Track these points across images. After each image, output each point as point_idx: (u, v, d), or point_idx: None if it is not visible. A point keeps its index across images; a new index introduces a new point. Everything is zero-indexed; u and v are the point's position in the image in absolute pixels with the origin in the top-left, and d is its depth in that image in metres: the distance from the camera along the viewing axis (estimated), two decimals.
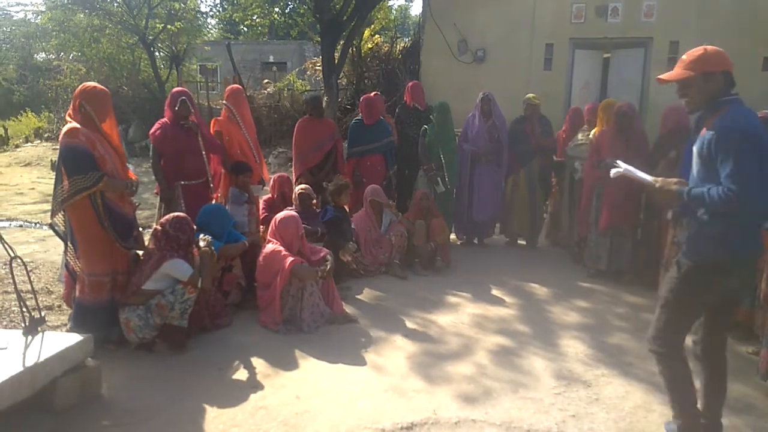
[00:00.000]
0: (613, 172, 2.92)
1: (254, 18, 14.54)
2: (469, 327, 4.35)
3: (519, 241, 6.73)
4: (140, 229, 4.63)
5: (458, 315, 4.57)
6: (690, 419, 2.74)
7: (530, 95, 6.46)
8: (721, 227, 2.50)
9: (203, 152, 4.96)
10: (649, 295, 4.92)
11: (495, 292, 5.15)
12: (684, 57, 2.62)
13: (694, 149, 2.62)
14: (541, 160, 6.36)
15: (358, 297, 4.94)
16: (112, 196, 3.73)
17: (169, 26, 15.89)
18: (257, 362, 3.67)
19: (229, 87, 5.83)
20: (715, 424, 2.77)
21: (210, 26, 24.37)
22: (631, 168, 2.89)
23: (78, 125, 3.67)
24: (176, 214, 3.98)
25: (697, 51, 2.59)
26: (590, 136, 5.77)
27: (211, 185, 5.15)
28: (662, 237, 4.85)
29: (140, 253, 4.04)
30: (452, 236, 6.73)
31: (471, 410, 3.16)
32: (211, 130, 5.35)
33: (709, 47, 2.61)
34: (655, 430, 3.01)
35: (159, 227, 3.88)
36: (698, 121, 2.66)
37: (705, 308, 2.69)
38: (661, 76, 2.73)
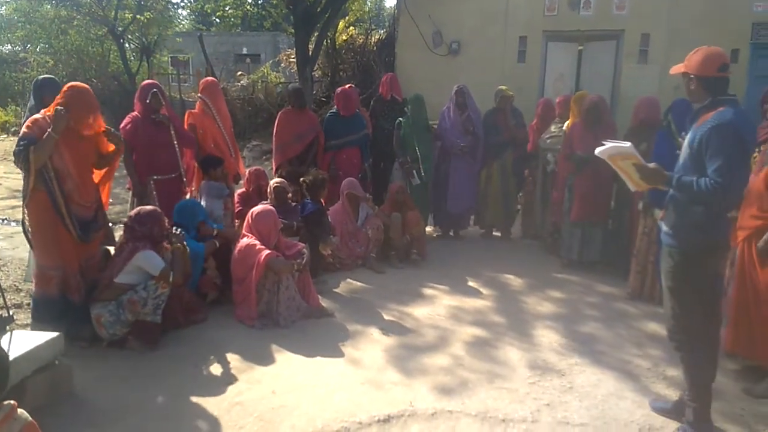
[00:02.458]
0: (598, 150, 2.92)
1: (226, 9, 14.31)
2: (446, 319, 4.38)
3: (494, 233, 6.78)
4: (110, 224, 4.57)
5: (435, 307, 4.60)
6: (706, 403, 2.85)
7: (503, 87, 6.49)
8: (701, 216, 2.69)
9: (176, 146, 4.89)
10: (621, 284, 5.02)
11: (471, 283, 5.19)
12: (690, 54, 2.79)
13: (685, 141, 2.77)
14: (514, 151, 6.41)
15: (335, 291, 4.93)
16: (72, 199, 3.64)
17: (138, 17, 15.58)
18: (233, 357, 3.64)
19: (203, 80, 5.74)
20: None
21: (181, 17, 23.99)
22: (617, 143, 2.90)
23: (39, 116, 3.59)
24: (144, 207, 3.91)
25: (696, 52, 2.76)
26: (563, 128, 5.83)
27: (185, 179, 5.08)
28: (633, 227, 4.93)
29: (111, 249, 3.97)
30: (428, 228, 6.75)
31: (447, 401, 3.19)
32: (185, 124, 5.28)
33: (708, 50, 2.75)
34: (627, 416, 3.07)
35: (128, 221, 3.82)
36: (694, 115, 2.80)
37: (703, 290, 2.81)
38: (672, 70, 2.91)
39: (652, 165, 2.80)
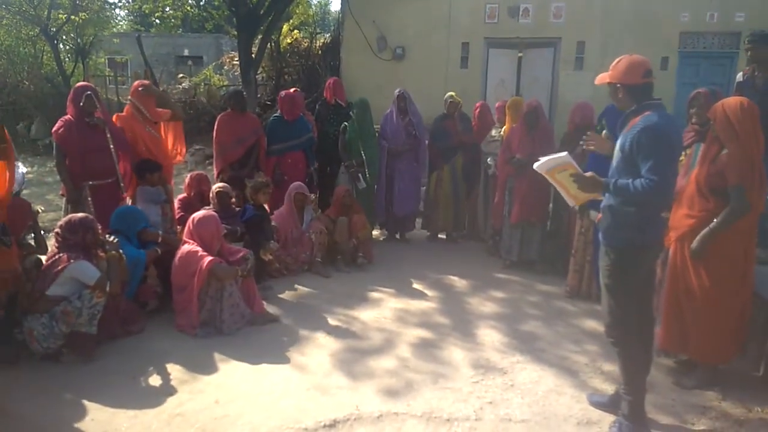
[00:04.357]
0: (536, 165, 3.02)
1: (166, 9, 13.95)
2: (392, 321, 4.40)
3: (439, 236, 6.87)
4: (42, 232, 4.38)
5: (381, 310, 4.62)
6: (641, 396, 2.95)
7: (451, 93, 6.58)
8: (635, 216, 2.80)
9: (112, 150, 4.74)
10: (560, 282, 5.18)
11: (416, 285, 5.24)
12: (613, 63, 2.92)
13: (617, 145, 2.89)
14: (463, 156, 6.50)
15: (280, 296, 4.88)
16: None
17: (73, 17, 15.00)
18: (173, 368, 3.54)
19: (135, 83, 5.57)
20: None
21: (119, 18, 23.18)
22: (554, 155, 2.99)
23: None
24: (75, 215, 3.76)
25: (620, 62, 2.89)
26: (501, 132, 5.98)
27: (122, 184, 4.92)
28: (571, 228, 5.10)
29: (42, 258, 3.80)
30: (375, 232, 6.78)
31: (393, 403, 3.21)
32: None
33: (631, 58, 2.88)
34: (566, 411, 3.17)
35: (58, 229, 3.66)
36: (623, 121, 2.92)
37: (638, 286, 2.93)
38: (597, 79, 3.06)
39: (588, 174, 2.91)
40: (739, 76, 4.89)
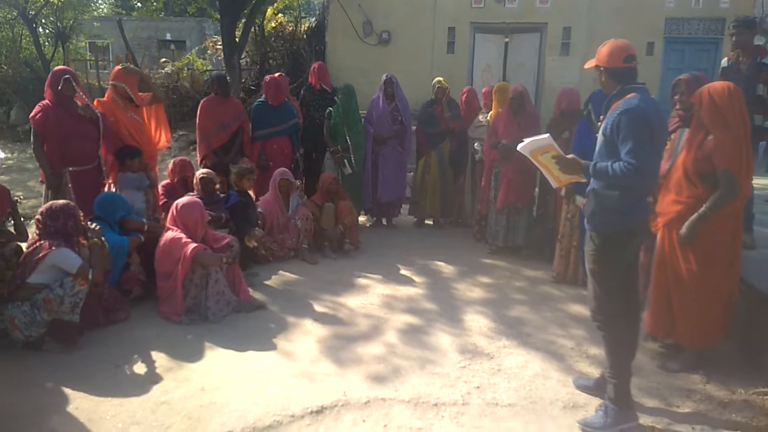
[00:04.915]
0: (519, 146, 3.01)
1: None
2: (379, 308, 4.39)
3: (426, 221, 6.86)
4: (22, 219, 4.29)
5: (368, 296, 4.61)
6: (626, 380, 2.96)
7: (440, 78, 6.53)
8: (618, 200, 2.79)
9: (100, 137, 4.67)
10: (546, 268, 5.21)
11: (403, 271, 5.23)
12: (599, 48, 2.92)
13: (600, 129, 2.88)
14: (451, 142, 6.47)
15: (267, 283, 4.85)
16: None
17: (52, 0, 14.64)
18: (158, 356, 3.50)
19: (115, 67, 5.45)
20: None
21: (100, 1, 22.73)
22: (536, 137, 2.99)
23: None
24: (56, 201, 3.68)
25: (604, 46, 2.90)
26: (488, 118, 5.96)
27: (104, 169, 4.84)
28: (558, 213, 5.12)
29: (23, 246, 3.72)
30: (362, 218, 6.75)
31: (380, 389, 3.21)
32: None
33: (614, 42, 2.88)
34: (552, 395, 3.19)
35: (39, 216, 3.58)
36: (606, 104, 2.92)
37: (623, 271, 2.93)
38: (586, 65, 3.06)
39: (569, 156, 2.91)
40: (724, 62, 4.91)
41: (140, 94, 5.17)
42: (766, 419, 2.99)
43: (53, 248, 3.45)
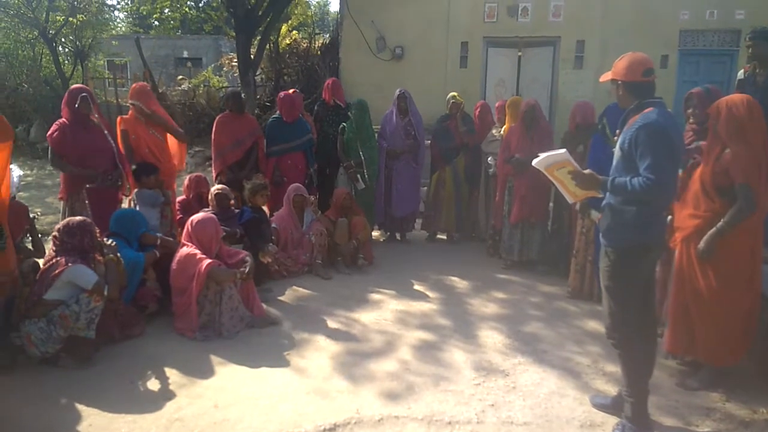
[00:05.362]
0: (535, 161, 3.00)
1: (164, 11, 13.92)
2: (392, 323, 4.37)
3: (438, 236, 6.83)
4: (39, 236, 4.35)
5: (381, 312, 4.59)
6: (644, 398, 2.91)
7: (454, 94, 6.54)
8: (635, 215, 2.76)
9: (114, 151, 4.73)
10: (562, 283, 5.15)
11: (417, 287, 5.21)
12: (616, 61, 2.91)
13: (617, 143, 2.86)
14: (466, 157, 6.46)
15: (280, 298, 4.85)
16: None
17: (71, 19, 14.97)
18: (172, 372, 3.51)
19: (133, 85, 5.55)
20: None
21: (118, 20, 23.17)
22: (552, 152, 2.97)
23: None
24: (73, 218, 3.73)
25: (622, 59, 2.88)
26: (501, 132, 5.95)
27: (127, 185, 4.91)
28: (573, 227, 5.07)
29: (40, 262, 3.76)
30: (375, 233, 6.74)
31: (394, 407, 3.18)
32: (117, 129, 5.09)
33: (632, 56, 2.86)
34: (568, 414, 3.14)
35: (56, 233, 3.63)
36: (623, 119, 2.89)
37: (639, 287, 2.89)
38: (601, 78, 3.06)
39: (586, 171, 2.89)
40: (740, 74, 4.86)
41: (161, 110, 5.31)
42: None
43: (69, 265, 3.48)
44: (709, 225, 3.21)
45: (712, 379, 3.40)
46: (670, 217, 3.47)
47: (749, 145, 3.12)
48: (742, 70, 4.87)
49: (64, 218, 4.41)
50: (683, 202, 3.40)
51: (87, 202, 4.66)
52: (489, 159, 6.06)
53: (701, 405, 3.24)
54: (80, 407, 3.11)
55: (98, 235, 3.77)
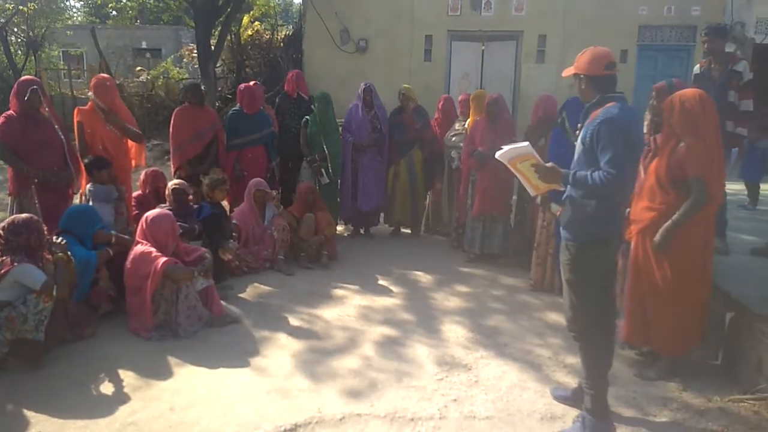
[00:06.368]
0: (498, 154, 2.98)
1: (121, 0, 13.51)
2: (355, 319, 4.33)
3: (403, 230, 6.82)
4: None
5: (344, 308, 4.54)
6: (603, 390, 2.93)
7: (406, 86, 6.52)
8: (595, 209, 2.77)
9: (64, 144, 4.56)
10: (524, 276, 5.19)
11: (381, 282, 5.17)
12: (578, 56, 2.89)
13: (579, 137, 2.86)
14: (423, 150, 6.43)
15: (241, 296, 4.75)
16: None
17: (22, 8, 14.40)
18: (126, 374, 3.39)
19: (94, 77, 5.34)
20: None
21: (73, 9, 22.42)
22: (515, 145, 2.96)
23: None
24: (18, 216, 3.56)
25: (584, 53, 2.87)
26: (465, 125, 5.95)
27: (75, 183, 4.73)
28: (535, 221, 5.10)
29: None
30: (339, 228, 6.68)
31: (356, 404, 3.14)
32: (74, 120, 4.92)
33: (594, 50, 2.85)
34: (529, 407, 3.16)
35: (1, 231, 3.46)
36: (585, 113, 2.89)
37: (599, 280, 2.90)
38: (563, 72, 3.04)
39: (548, 164, 2.89)
40: (696, 69, 4.96)
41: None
42: (741, 427, 2.98)
43: (15, 264, 3.33)
44: (664, 217, 3.26)
45: (669, 370, 3.47)
46: (628, 210, 3.51)
47: (702, 138, 3.17)
48: (698, 65, 4.97)
49: (11, 215, 4.23)
50: (639, 195, 3.44)
51: (35, 198, 4.47)
52: (453, 153, 6.05)
53: (659, 395, 3.30)
54: (28, 413, 2.97)
55: (47, 232, 3.61)
